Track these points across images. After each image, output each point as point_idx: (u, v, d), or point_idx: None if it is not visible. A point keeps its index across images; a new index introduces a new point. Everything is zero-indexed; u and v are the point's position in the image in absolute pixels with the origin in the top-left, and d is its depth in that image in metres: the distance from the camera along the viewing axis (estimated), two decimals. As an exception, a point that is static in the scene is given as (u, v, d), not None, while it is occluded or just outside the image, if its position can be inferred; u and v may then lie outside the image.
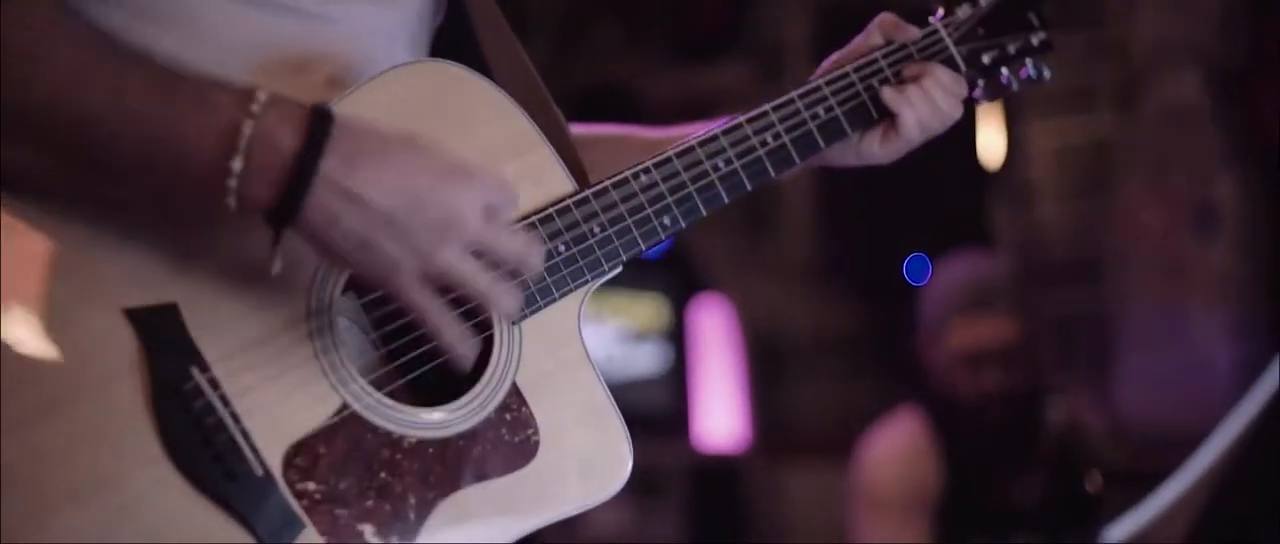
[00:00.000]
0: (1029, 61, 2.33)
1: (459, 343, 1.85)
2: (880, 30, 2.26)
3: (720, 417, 7.09)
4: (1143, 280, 5.92)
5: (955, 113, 2.26)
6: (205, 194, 1.75)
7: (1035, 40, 2.33)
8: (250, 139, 1.73)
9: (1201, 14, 5.98)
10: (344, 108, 1.87)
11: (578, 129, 2.33)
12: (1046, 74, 2.35)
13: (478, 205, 1.81)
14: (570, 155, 2.07)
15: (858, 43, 2.27)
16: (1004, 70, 2.32)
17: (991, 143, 6.44)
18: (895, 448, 4.99)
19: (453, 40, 2.18)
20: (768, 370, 7.18)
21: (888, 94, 2.21)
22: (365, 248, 1.77)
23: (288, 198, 1.74)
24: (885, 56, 2.25)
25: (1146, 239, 5.92)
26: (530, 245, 1.87)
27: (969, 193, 6.45)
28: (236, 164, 1.72)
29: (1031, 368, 4.96)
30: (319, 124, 1.76)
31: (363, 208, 1.75)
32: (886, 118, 2.23)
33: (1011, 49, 2.32)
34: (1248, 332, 5.77)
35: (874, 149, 2.26)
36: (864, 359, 6.97)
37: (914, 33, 2.27)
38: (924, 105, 2.22)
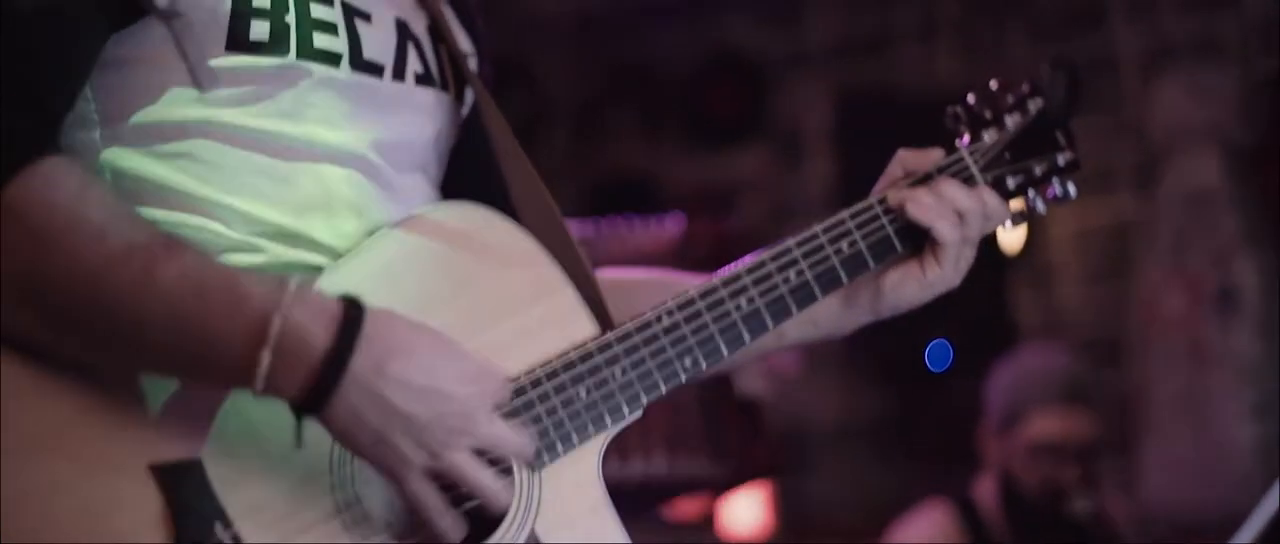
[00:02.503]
0: (1056, 181, 2.25)
1: (451, 532, 1.86)
2: (901, 164, 2.22)
3: (744, 506, 7.05)
4: (1164, 364, 5.90)
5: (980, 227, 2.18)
6: (231, 382, 1.77)
7: (1062, 160, 2.25)
8: (280, 333, 1.73)
9: (1219, 95, 5.98)
10: (373, 251, 1.91)
11: (621, 274, 2.33)
12: (1073, 193, 2.26)
13: (489, 407, 1.85)
14: (591, 291, 2.06)
15: (882, 178, 2.22)
16: (1031, 192, 2.24)
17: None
18: (923, 540, 4.96)
19: (471, 166, 2.19)
20: (791, 459, 7.15)
21: (913, 208, 2.14)
22: (381, 443, 1.79)
23: (316, 393, 1.75)
24: (910, 186, 2.18)
25: (1167, 322, 5.90)
26: (526, 438, 1.89)
27: (990, 277, 6.45)
28: (265, 358, 1.73)
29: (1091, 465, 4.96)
30: (350, 320, 1.77)
31: (387, 408, 1.78)
32: (918, 250, 2.17)
33: (1038, 171, 2.24)
34: (1269, 415, 5.74)
35: (939, 275, 2.18)
36: (887, 447, 6.94)
37: (935, 156, 2.20)
38: (942, 207, 2.15)
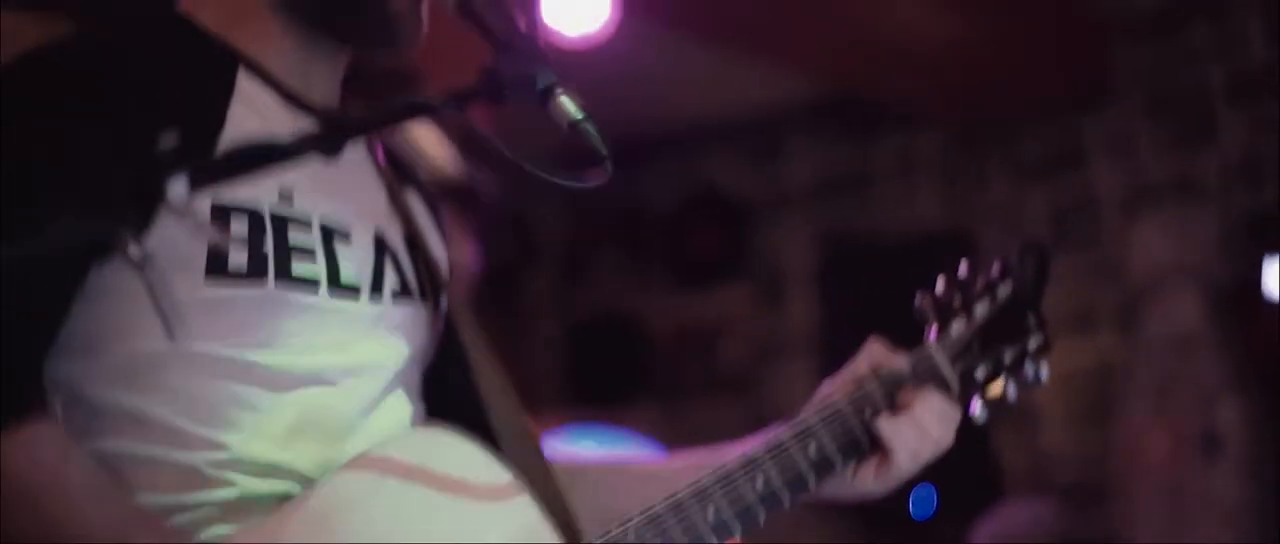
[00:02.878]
0: (1027, 365, 2.26)
1: None
2: (868, 359, 2.22)
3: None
4: (1148, 508, 5.87)
5: (947, 440, 2.20)
6: None
7: (1033, 344, 2.26)
8: None
9: (1199, 235, 6.00)
10: (339, 485, 1.90)
11: (583, 464, 2.32)
12: (1045, 377, 2.26)
13: None
14: (559, 507, 2.06)
15: (848, 371, 2.23)
16: (1001, 380, 2.24)
17: (994, 369, 6.42)
18: None
19: (449, 373, 2.17)
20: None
21: (882, 424, 2.15)
22: None
23: None
24: (879, 384, 2.19)
25: (1151, 467, 5.87)
26: None
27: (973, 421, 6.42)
28: None
29: None
30: None
31: None
32: (879, 449, 2.18)
33: (1008, 359, 2.24)
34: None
35: (868, 483, 2.20)
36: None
37: (902, 361, 2.21)
38: (912, 434, 2.16)
